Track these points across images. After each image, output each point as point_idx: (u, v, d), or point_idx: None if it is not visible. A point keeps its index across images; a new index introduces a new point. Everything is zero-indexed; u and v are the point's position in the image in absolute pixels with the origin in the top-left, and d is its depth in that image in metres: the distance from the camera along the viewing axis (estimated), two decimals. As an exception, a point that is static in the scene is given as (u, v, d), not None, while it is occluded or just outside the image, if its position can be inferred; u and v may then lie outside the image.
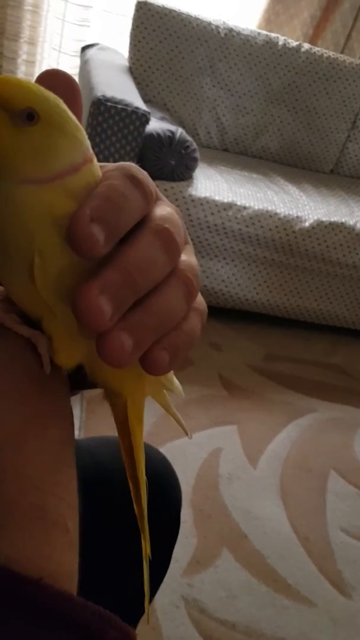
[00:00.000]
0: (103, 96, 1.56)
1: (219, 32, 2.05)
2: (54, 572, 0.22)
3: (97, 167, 0.25)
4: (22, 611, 0.20)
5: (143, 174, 0.25)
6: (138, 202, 0.24)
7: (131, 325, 0.23)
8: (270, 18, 2.28)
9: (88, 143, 0.25)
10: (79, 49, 2.16)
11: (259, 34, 2.11)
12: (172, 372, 0.31)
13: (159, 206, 0.25)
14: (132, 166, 0.25)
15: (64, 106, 0.24)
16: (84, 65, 1.95)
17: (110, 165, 0.25)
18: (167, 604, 1.08)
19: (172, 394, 0.34)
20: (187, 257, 0.26)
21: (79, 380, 0.30)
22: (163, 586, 0.70)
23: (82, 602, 0.21)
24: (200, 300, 0.27)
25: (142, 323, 0.23)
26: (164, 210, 0.25)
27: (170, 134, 1.67)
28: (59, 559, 0.23)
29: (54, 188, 0.23)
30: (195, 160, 1.74)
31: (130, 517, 0.33)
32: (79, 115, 0.27)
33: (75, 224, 0.22)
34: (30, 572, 0.21)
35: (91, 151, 0.25)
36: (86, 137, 0.25)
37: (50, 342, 0.26)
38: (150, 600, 0.75)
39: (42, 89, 0.24)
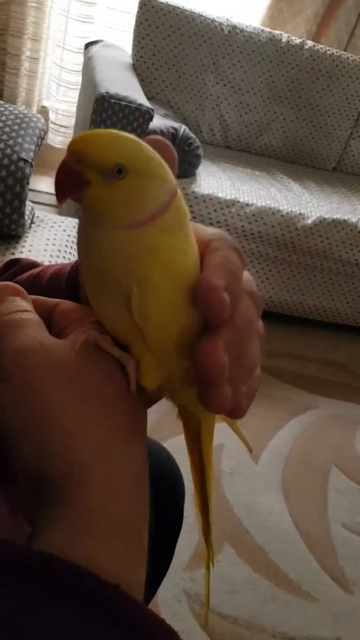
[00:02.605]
0: (107, 93, 1.56)
1: (222, 29, 2.05)
2: (129, 582, 0.23)
3: (182, 199, 0.27)
4: (100, 614, 0.21)
5: (236, 242, 0.29)
6: (241, 269, 0.28)
7: (231, 377, 0.26)
8: (274, 15, 2.28)
9: (172, 177, 0.27)
10: (83, 46, 2.16)
11: (262, 31, 2.11)
12: None
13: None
14: (227, 235, 0.29)
15: (147, 150, 0.26)
16: (88, 62, 1.95)
17: (209, 230, 0.29)
18: (169, 598, 1.09)
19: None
20: None
21: None
22: (166, 580, 0.71)
23: (155, 615, 0.22)
24: None
25: (238, 375, 0.27)
26: (247, 274, 0.29)
27: (173, 131, 1.67)
28: (134, 570, 0.25)
29: (149, 229, 0.26)
30: (198, 157, 1.75)
31: None
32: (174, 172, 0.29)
33: (211, 293, 0.25)
34: (109, 579, 0.22)
35: (174, 183, 0.27)
36: (169, 172, 0.27)
37: (137, 365, 0.28)
38: (153, 594, 0.76)
39: (124, 139, 0.26)
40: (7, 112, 1.33)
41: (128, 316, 0.26)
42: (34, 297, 0.30)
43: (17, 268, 0.43)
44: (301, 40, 2.14)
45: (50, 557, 0.22)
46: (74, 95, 2.32)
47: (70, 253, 1.21)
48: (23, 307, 0.29)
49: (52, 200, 2.07)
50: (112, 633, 0.21)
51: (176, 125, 1.69)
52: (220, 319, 0.25)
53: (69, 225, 1.29)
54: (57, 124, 2.44)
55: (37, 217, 1.31)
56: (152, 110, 1.61)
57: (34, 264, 0.43)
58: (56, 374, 0.26)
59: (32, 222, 1.30)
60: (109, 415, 0.27)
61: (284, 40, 2.11)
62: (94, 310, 0.29)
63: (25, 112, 1.39)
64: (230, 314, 0.25)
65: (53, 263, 0.41)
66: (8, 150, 1.23)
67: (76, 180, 0.25)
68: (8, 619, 0.20)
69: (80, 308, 0.30)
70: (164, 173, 0.26)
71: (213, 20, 2.04)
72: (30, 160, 1.25)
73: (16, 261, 0.44)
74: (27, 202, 1.28)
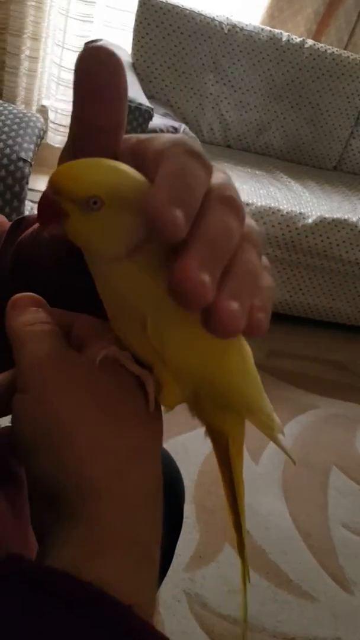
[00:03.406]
0: (106, 92, 1.56)
1: (222, 28, 2.05)
2: (140, 602, 0.22)
3: None
4: (111, 634, 0.21)
5: (198, 146, 0.25)
6: (203, 176, 0.24)
7: (232, 292, 0.23)
8: (274, 14, 2.28)
9: (143, 181, 0.25)
10: (82, 45, 2.16)
11: (262, 30, 2.10)
12: (272, 408, 0.33)
13: (214, 173, 0.26)
14: (188, 140, 0.25)
15: (125, 176, 0.25)
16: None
17: (163, 138, 0.26)
18: (169, 599, 1.09)
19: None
20: (246, 219, 0.27)
21: None
22: (166, 581, 0.71)
23: (163, 636, 0.22)
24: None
25: (239, 288, 0.24)
26: (219, 177, 0.26)
27: (173, 130, 1.67)
28: (145, 591, 0.24)
29: (140, 257, 0.25)
30: (198, 156, 1.74)
31: None
32: (124, 90, 0.27)
33: (155, 209, 0.22)
34: (121, 599, 0.22)
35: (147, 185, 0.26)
36: (144, 179, 0.25)
37: (157, 383, 0.28)
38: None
39: (101, 168, 0.25)
40: (6, 112, 1.33)
41: (145, 339, 0.26)
42: (53, 309, 0.30)
43: (23, 227, 0.42)
44: (301, 39, 2.14)
45: (62, 575, 0.22)
46: (73, 95, 2.32)
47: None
48: (43, 318, 0.29)
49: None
50: None
51: (176, 124, 1.69)
52: (172, 235, 0.22)
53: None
54: (57, 123, 2.43)
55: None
56: (152, 109, 1.61)
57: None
58: (74, 388, 0.26)
59: (31, 222, 1.29)
60: (126, 432, 0.26)
61: (284, 39, 2.11)
62: (114, 329, 0.28)
63: (25, 111, 1.38)
64: (185, 229, 0.23)
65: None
66: (7, 150, 1.22)
67: (54, 212, 0.25)
68: (18, 636, 0.20)
69: (99, 323, 0.30)
70: (143, 186, 0.25)
71: (213, 19, 2.04)
72: (29, 160, 1.24)
73: (22, 220, 0.43)
74: (27, 202, 1.27)
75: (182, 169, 0.24)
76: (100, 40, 1.93)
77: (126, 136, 0.28)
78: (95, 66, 0.26)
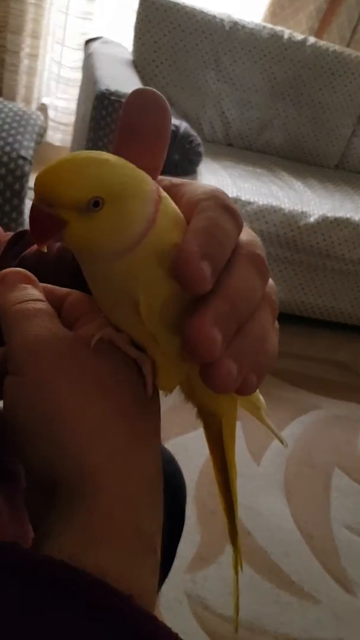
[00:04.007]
0: (107, 90, 1.55)
1: (223, 26, 2.04)
2: (140, 592, 0.22)
3: (169, 200, 0.25)
4: (109, 624, 0.20)
5: (232, 202, 0.25)
6: (233, 232, 0.25)
7: (235, 352, 0.24)
8: (276, 11, 2.27)
9: (150, 182, 0.25)
10: (83, 43, 2.15)
11: (264, 27, 2.09)
12: (257, 391, 0.33)
13: (244, 231, 0.26)
14: (223, 194, 0.26)
15: (119, 168, 0.24)
16: (88, 59, 1.94)
17: (200, 189, 0.26)
18: (170, 600, 1.08)
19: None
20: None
21: None
22: (167, 582, 0.70)
23: (167, 628, 0.21)
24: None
25: (243, 349, 0.24)
26: (250, 235, 0.26)
27: (174, 129, 1.66)
28: (146, 580, 0.23)
29: (142, 248, 0.24)
30: (199, 155, 1.73)
31: None
32: (166, 133, 0.27)
33: (185, 262, 0.23)
34: (120, 588, 0.21)
35: (155, 188, 0.25)
36: (147, 178, 0.25)
37: (154, 367, 0.27)
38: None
39: (93, 165, 0.24)
40: (6, 110, 1.32)
41: (139, 323, 0.25)
42: (42, 285, 0.29)
43: (24, 241, 0.42)
44: (303, 36, 2.13)
45: (60, 564, 0.21)
46: (73, 93, 2.31)
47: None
48: (35, 296, 0.28)
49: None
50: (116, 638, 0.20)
51: (177, 122, 1.68)
52: (197, 289, 0.23)
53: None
54: (57, 122, 2.43)
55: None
56: (153, 107, 1.60)
57: None
58: (71, 370, 0.25)
59: (31, 221, 1.29)
60: (124, 417, 0.25)
61: (285, 36, 2.10)
62: (111, 319, 0.27)
63: (25, 109, 1.38)
64: (210, 284, 0.23)
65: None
66: (7, 148, 1.22)
67: (52, 224, 0.23)
68: (14, 626, 0.19)
69: (92, 300, 0.29)
70: (141, 182, 0.24)
71: (214, 17, 2.03)
72: (29, 158, 1.23)
73: (23, 234, 0.42)
74: (27, 200, 1.27)
75: (215, 224, 0.24)
76: (101, 37, 1.93)
77: (160, 177, 0.28)
78: (142, 107, 0.26)
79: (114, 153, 0.26)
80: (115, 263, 0.24)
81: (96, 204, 0.23)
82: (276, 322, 0.28)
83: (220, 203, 0.25)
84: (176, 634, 0.21)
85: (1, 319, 0.27)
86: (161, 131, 0.27)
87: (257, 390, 0.32)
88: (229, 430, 0.32)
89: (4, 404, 0.26)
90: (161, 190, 0.25)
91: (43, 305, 0.27)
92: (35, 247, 0.39)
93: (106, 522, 0.23)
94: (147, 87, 0.27)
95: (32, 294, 0.28)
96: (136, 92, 0.27)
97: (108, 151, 0.25)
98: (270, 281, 0.27)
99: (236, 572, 0.35)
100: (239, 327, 0.24)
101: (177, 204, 0.26)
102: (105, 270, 0.25)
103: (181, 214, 0.26)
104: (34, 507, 0.26)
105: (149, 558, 0.24)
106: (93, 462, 0.24)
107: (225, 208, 0.25)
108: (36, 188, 0.23)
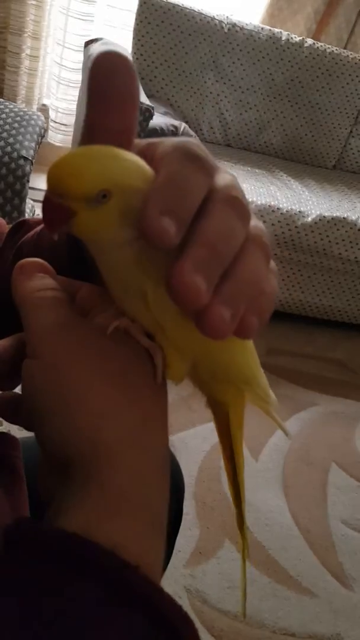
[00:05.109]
0: (107, 91, 1.56)
1: (222, 27, 2.05)
2: (149, 565, 0.23)
3: None
4: (120, 594, 0.21)
5: (201, 149, 0.25)
6: (201, 180, 0.24)
7: (226, 297, 0.24)
8: (274, 13, 2.28)
9: (150, 173, 0.25)
10: (83, 44, 2.16)
11: (262, 29, 2.11)
12: (268, 383, 0.33)
13: (219, 174, 0.26)
14: (189, 143, 0.25)
15: (125, 161, 0.25)
16: (88, 60, 1.95)
17: (167, 142, 0.26)
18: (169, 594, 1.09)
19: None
20: (254, 221, 0.26)
21: None
22: (166, 576, 0.71)
23: (173, 600, 0.22)
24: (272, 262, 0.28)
25: (235, 293, 0.24)
26: (225, 178, 0.26)
27: (173, 129, 1.67)
28: (155, 555, 0.25)
29: (145, 241, 0.25)
30: (198, 155, 1.74)
31: None
32: (136, 94, 0.27)
33: (145, 221, 0.23)
34: (130, 559, 0.22)
35: (150, 171, 0.26)
36: (148, 169, 0.26)
37: (164, 357, 0.28)
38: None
39: (100, 159, 0.25)
40: (7, 110, 1.33)
41: (148, 312, 0.27)
42: (58, 276, 0.30)
43: (24, 230, 0.42)
44: (301, 38, 2.14)
45: (73, 536, 0.22)
46: (74, 93, 2.32)
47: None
48: (52, 285, 0.29)
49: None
50: (131, 613, 0.21)
51: (176, 123, 1.69)
52: (162, 244, 0.23)
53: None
54: (58, 122, 2.44)
55: (38, 214, 1.31)
56: (152, 108, 1.61)
57: (39, 222, 0.42)
58: (86, 355, 0.26)
59: (32, 220, 1.30)
60: (137, 400, 0.26)
61: (283, 38, 2.11)
62: (117, 305, 0.29)
63: (26, 110, 1.39)
64: (175, 238, 0.23)
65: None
66: (8, 148, 1.23)
67: (62, 214, 0.25)
68: (29, 598, 0.21)
69: (104, 292, 0.30)
70: (147, 176, 0.25)
71: (213, 18, 2.04)
72: (30, 158, 1.25)
73: (23, 223, 0.43)
74: (27, 200, 1.28)
75: (177, 176, 0.24)
76: (102, 38, 1.93)
77: (137, 140, 0.28)
78: (109, 70, 0.27)
79: (86, 118, 0.27)
80: (121, 253, 0.26)
81: (104, 196, 0.24)
82: (273, 263, 0.28)
83: (184, 153, 0.24)
84: (180, 606, 0.22)
85: (20, 306, 0.28)
86: (130, 90, 0.27)
87: (267, 386, 0.33)
88: (236, 420, 0.33)
89: (22, 385, 0.27)
90: None
91: (60, 294, 0.28)
92: (31, 234, 0.40)
93: (118, 498, 0.24)
94: (112, 49, 0.27)
95: (49, 283, 0.29)
96: (101, 55, 0.27)
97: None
98: (259, 223, 0.27)
99: (244, 560, 0.36)
100: (224, 270, 0.24)
101: (151, 162, 0.26)
102: (113, 260, 0.26)
103: None
104: (46, 483, 0.27)
105: (158, 534, 0.25)
106: (106, 440, 0.25)
107: (189, 157, 0.24)
108: (48, 180, 0.25)
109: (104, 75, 0.27)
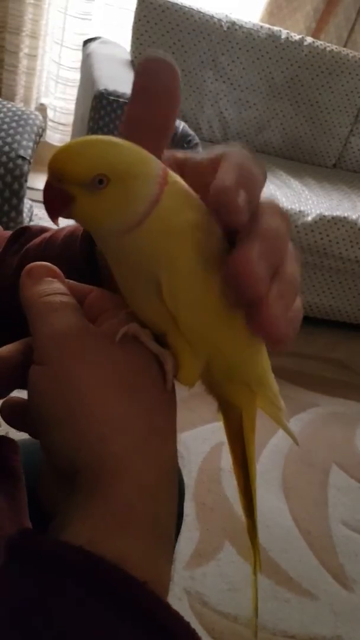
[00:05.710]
0: (105, 90, 1.56)
1: (221, 26, 2.04)
2: (156, 580, 0.22)
3: (179, 182, 0.26)
4: (125, 610, 0.21)
5: (254, 157, 0.26)
6: (261, 176, 0.26)
7: (281, 294, 0.24)
8: (273, 11, 2.27)
9: (157, 165, 0.26)
10: (81, 43, 2.15)
11: (261, 27, 2.10)
12: (278, 389, 0.33)
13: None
14: (244, 151, 0.26)
15: (125, 149, 0.25)
16: (86, 59, 1.94)
17: (217, 147, 0.27)
18: (169, 597, 1.08)
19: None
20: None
21: None
22: (166, 578, 0.71)
23: (180, 616, 0.22)
24: None
25: (285, 293, 0.24)
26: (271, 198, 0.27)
27: (172, 128, 1.66)
28: (162, 569, 0.24)
29: (145, 228, 0.25)
30: (197, 154, 1.74)
31: None
32: (177, 95, 0.28)
33: (220, 191, 0.23)
34: (137, 575, 0.21)
35: (162, 171, 0.26)
36: (153, 159, 0.26)
37: (175, 362, 0.27)
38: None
39: (100, 145, 0.25)
40: (5, 110, 1.33)
41: (160, 304, 0.26)
42: (67, 280, 0.30)
43: (26, 237, 0.42)
44: (300, 36, 2.13)
45: (79, 550, 0.21)
46: (72, 93, 2.32)
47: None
48: (61, 289, 0.28)
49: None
50: (136, 629, 0.21)
51: (175, 121, 1.69)
52: (236, 219, 0.23)
53: (68, 223, 1.29)
54: (56, 122, 2.43)
55: (36, 214, 1.31)
56: (151, 107, 1.60)
57: (43, 229, 0.42)
58: (95, 363, 0.26)
59: (30, 220, 1.30)
60: (145, 410, 0.26)
61: (283, 36, 2.11)
62: (127, 300, 0.28)
63: (24, 109, 1.38)
64: (246, 215, 0.24)
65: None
66: (6, 148, 1.22)
67: (62, 199, 0.25)
68: (32, 612, 0.20)
69: (114, 297, 0.29)
70: (146, 165, 0.25)
71: (212, 17, 2.03)
72: (28, 158, 1.24)
73: (25, 230, 0.42)
74: (25, 200, 1.27)
75: (246, 163, 0.25)
76: (100, 37, 1.92)
77: (171, 151, 0.29)
78: (155, 70, 0.27)
79: (127, 113, 0.28)
80: (122, 240, 0.25)
81: (101, 181, 0.24)
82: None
83: (244, 152, 0.26)
84: (188, 623, 0.22)
85: (27, 310, 0.28)
86: (173, 91, 0.28)
87: (278, 391, 0.33)
88: (249, 423, 0.33)
89: (29, 392, 0.26)
90: (170, 172, 0.26)
91: (68, 299, 0.28)
92: (38, 240, 0.40)
93: (125, 511, 0.23)
94: (159, 53, 0.28)
95: (57, 288, 0.28)
96: (149, 57, 0.28)
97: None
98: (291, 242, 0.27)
99: (255, 573, 0.35)
100: (275, 270, 0.24)
101: (197, 165, 0.27)
102: (115, 248, 0.26)
103: (194, 194, 0.27)
104: (51, 494, 0.27)
105: (165, 547, 0.24)
106: (113, 451, 0.24)
107: (250, 156, 0.26)
108: (49, 165, 0.25)
109: (150, 75, 0.28)
